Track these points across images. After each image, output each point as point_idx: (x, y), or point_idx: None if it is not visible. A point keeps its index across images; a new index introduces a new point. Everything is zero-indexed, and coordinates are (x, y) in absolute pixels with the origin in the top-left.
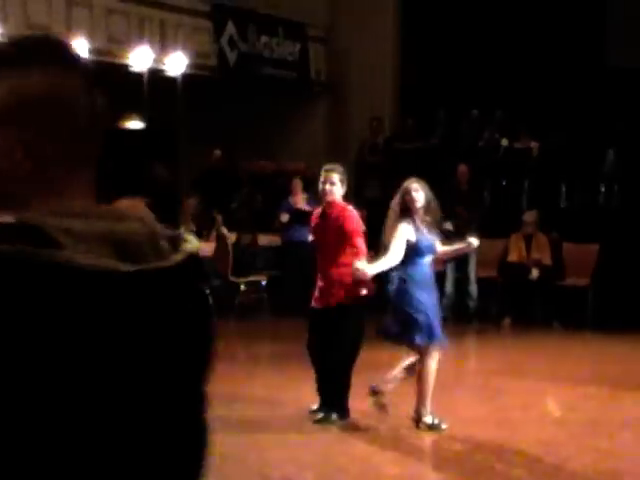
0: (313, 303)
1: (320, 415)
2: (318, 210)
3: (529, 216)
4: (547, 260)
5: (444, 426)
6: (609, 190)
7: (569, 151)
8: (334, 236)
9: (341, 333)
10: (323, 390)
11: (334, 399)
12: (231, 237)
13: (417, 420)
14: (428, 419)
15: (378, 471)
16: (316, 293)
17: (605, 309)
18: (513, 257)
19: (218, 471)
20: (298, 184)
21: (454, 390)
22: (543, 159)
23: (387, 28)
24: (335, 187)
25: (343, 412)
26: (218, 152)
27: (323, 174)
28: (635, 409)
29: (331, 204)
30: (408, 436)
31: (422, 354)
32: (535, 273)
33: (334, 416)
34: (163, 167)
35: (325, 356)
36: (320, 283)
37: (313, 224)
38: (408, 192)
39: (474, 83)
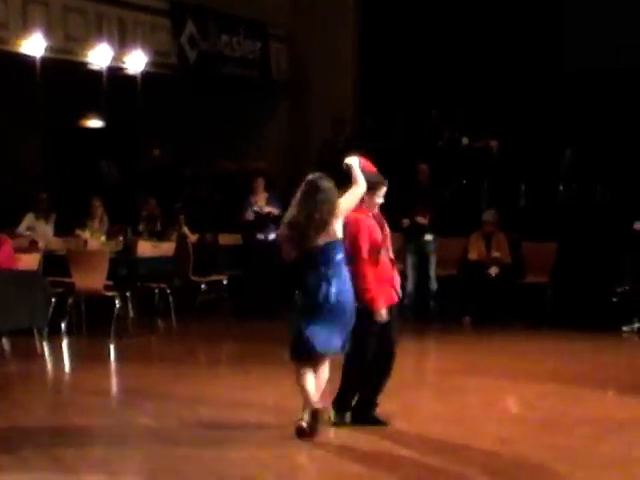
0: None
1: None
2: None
3: (488, 215)
4: (507, 258)
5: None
6: (567, 189)
7: (528, 150)
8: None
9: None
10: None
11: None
12: (192, 237)
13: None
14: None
15: (338, 470)
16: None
17: (564, 307)
18: (473, 256)
19: (179, 472)
20: (260, 183)
21: (414, 389)
22: (503, 158)
23: (348, 28)
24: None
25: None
26: (157, 151)
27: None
28: (592, 406)
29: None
30: (367, 435)
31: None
32: (494, 270)
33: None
34: (111, 165)
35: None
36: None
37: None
38: None
39: (434, 83)
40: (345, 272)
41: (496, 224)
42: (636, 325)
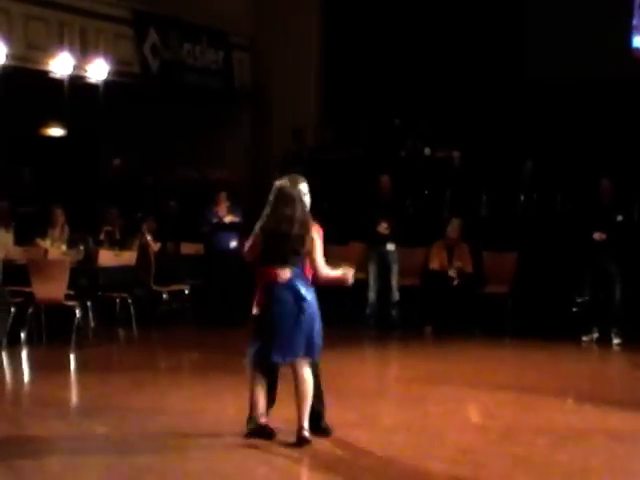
0: None
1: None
2: None
3: (453, 224)
4: (468, 268)
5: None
6: (528, 200)
7: (489, 161)
8: None
9: None
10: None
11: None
12: (155, 246)
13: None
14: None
15: None
16: None
17: (524, 316)
18: (435, 265)
19: None
20: (223, 196)
21: (375, 398)
22: (464, 169)
23: (311, 38)
24: None
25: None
26: (118, 161)
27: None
28: (551, 415)
29: None
30: (328, 446)
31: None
32: (453, 273)
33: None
34: (28, 172)
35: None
36: None
37: None
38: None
39: (397, 93)
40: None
41: (460, 234)
42: (595, 335)
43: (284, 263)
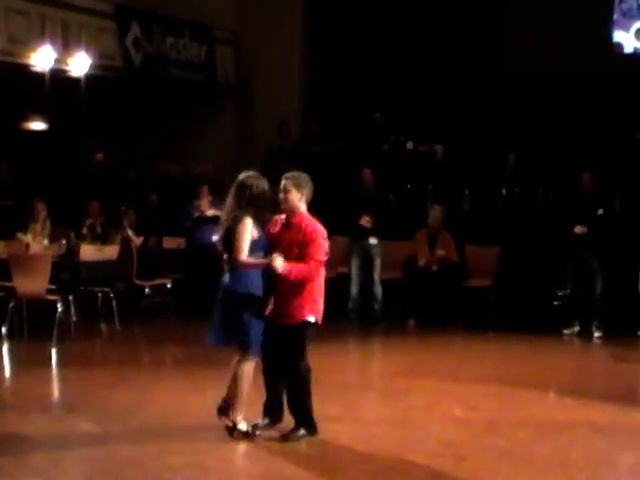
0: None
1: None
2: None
3: (434, 212)
4: (454, 257)
5: (258, 433)
6: (510, 193)
7: (472, 155)
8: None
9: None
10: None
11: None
12: (137, 240)
13: (232, 428)
14: (242, 426)
15: (281, 473)
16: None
17: (506, 310)
18: (422, 263)
19: (120, 477)
20: (205, 190)
21: (358, 391)
22: (447, 162)
23: (294, 32)
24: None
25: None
26: (100, 155)
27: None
28: (533, 408)
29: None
30: (310, 439)
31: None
32: (434, 266)
33: (302, 431)
34: (6, 167)
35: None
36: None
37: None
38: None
39: (379, 87)
40: None
41: (442, 221)
42: (576, 328)
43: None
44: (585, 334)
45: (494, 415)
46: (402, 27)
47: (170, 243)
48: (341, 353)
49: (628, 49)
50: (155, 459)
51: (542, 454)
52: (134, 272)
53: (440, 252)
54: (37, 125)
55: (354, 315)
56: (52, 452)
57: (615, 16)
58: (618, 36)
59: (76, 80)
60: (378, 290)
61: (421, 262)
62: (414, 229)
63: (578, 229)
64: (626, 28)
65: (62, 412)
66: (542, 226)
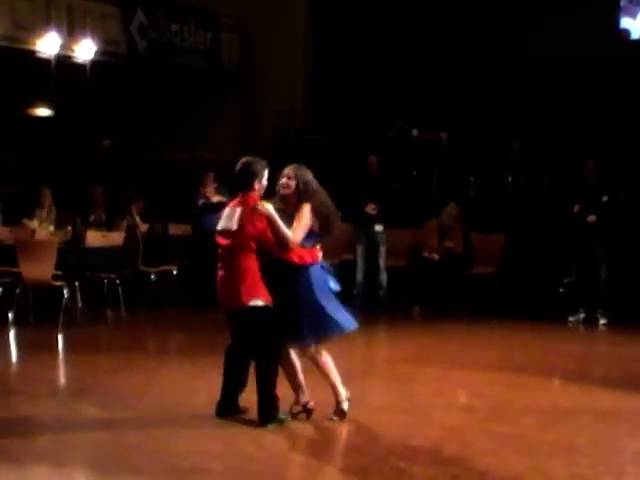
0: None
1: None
2: None
3: (449, 212)
4: (458, 249)
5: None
6: (515, 181)
7: (477, 142)
8: None
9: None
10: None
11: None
12: (143, 226)
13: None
14: (345, 405)
15: (286, 459)
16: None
17: (511, 297)
18: (427, 253)
19: (126, 462)
20: (210, 177)
21: (363, 378)
22: (452, 150)
23: (299, 19)
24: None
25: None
26: (107, 142)
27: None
28: (537, 394)
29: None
30: (315, 424)
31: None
32: (436, 256)
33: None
34: (14, 152)
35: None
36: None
37: None
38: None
39: (384, 74)
40: None
41: (456, 220)
42: (582, 315)
43: None
44: (590, 321)
45: (499, 401)
46: (408, 14)
47: (176, 230)
48: (346, 340)
49: (635, 35)
50: (161, 444)
51: (547, 440)
52: (140, 258)
53: (448, 244)
54: (43, 111)
55: (359, 302)
56: (58, 436)
57: (622, 2)
58: (625, 22)
59: (81, 66)
60: (383, 277)
61: (426, 252)
62: (419, 216)
63: (590, 218)
64: (633, 14)
65: (68, 397)
66: (547, 213)
